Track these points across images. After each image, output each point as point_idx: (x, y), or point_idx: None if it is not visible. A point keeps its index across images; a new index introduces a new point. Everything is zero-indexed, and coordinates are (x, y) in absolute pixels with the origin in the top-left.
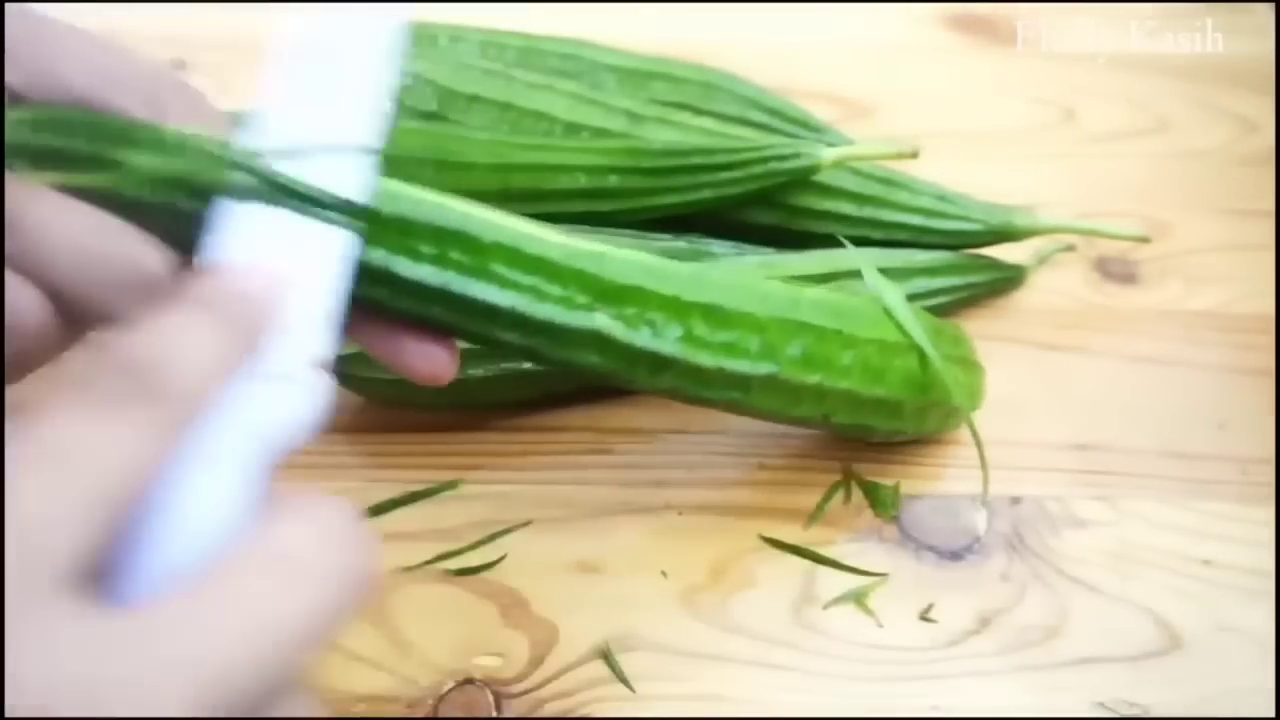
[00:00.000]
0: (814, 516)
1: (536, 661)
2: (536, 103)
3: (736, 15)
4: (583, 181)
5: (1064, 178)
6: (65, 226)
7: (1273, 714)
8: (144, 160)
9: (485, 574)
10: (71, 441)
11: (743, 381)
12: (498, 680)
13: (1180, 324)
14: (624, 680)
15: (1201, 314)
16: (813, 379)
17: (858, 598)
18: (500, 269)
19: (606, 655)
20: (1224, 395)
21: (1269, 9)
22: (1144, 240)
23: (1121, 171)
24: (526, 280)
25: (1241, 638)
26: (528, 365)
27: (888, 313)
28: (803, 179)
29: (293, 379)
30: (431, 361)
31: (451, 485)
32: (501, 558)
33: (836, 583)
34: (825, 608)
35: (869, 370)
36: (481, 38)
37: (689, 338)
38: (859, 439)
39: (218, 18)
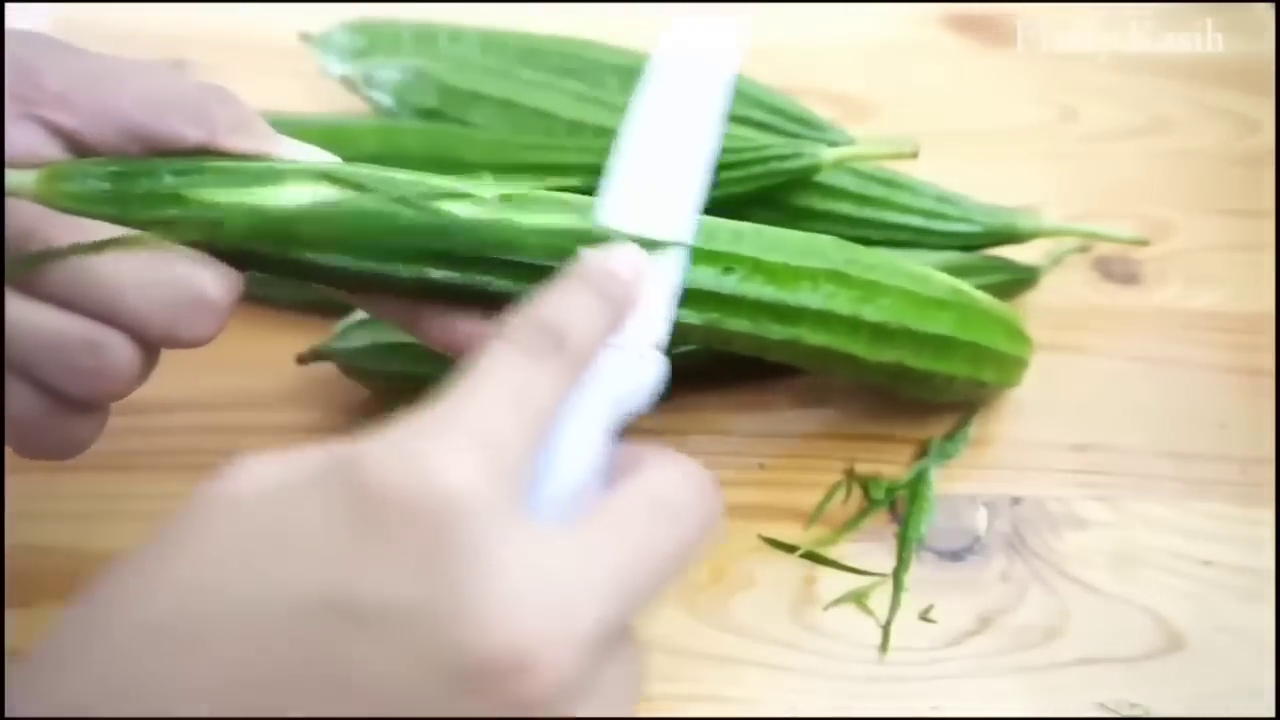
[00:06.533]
0: (814, 516)
1: None
2: (539, 100)
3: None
4: (583, 182)
5: (1064, 178)
6: (130, 267)
7: (1273, 714)
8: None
9: None
10: (513, 381)
11: (794, 313)
12: None
13: (1180, 324)
14: None
15: (1201, 314)
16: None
17: (858, 598)
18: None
19: None
20: (1224, 395)
21: (1269, 9)
22: (1143, 244)
23: (1121, 171)
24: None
25: (1241, 638)
26: None
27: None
28: (803, 179)
29: (641, 356)
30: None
31: None
32: None
33: (836, 583)
34: (825, 608)
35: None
36: (481, 38)
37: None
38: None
39: (218, 18)
